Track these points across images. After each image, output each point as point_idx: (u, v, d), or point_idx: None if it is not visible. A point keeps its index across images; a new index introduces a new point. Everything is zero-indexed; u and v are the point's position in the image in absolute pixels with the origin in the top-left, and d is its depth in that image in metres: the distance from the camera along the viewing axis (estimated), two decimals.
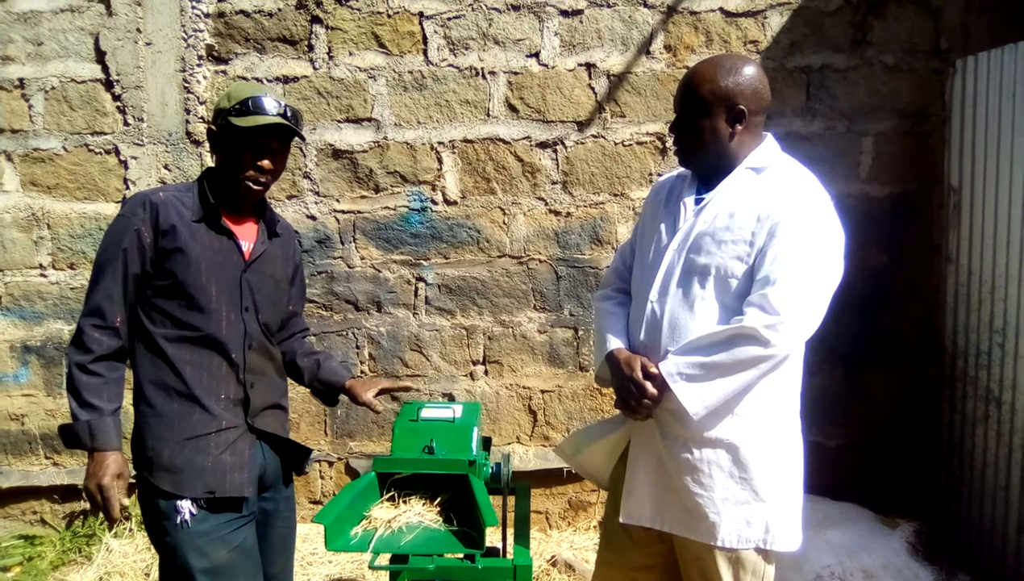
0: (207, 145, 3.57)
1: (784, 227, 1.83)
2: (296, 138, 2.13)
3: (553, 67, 3.63)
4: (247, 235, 2.14)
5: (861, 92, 3.67)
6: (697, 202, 2.00)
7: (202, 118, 3.60)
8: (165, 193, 2.04)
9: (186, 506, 1.98)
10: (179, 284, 1.99)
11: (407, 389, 2.50)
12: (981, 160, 3.27)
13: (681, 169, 2.15)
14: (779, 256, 1.81)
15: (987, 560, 3.20)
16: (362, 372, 3.76)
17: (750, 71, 1.93)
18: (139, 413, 2.04)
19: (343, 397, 2.35)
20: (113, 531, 3.57)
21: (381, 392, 2.33)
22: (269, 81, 3.58)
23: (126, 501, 1.98)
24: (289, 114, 2.06)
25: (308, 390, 2.40)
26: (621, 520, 2.03)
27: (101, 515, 1.98)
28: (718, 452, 1.89)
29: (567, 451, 2.29)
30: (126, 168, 3.62)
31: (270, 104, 2.03)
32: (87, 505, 3.72)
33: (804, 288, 1.81)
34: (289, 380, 2.34)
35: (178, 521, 1.97)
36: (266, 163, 2.06)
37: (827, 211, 1.90)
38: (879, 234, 3.70)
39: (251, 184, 2.07)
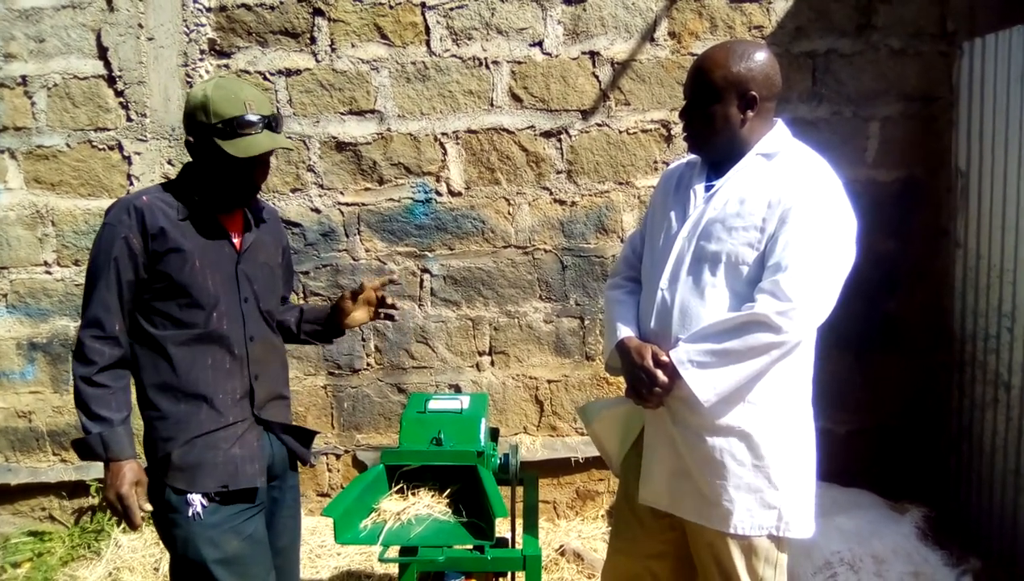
0: None
1: (795, 213, 1.81)
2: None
3: (557, 56, 3.61)
4: (235, 226, 2.13)
5: (867, 76, 3.64)
6: (707, 189, 1.98)
7: None
8: (148, 196, 2.02)
9: (197, 499, 1.98)
10: (176, 284, 1.98)
11: (391, 281, 2.47)
12: (989, 143, 3.24)
13: (690, 156, 2.14)
14: (790, 242, 1.80)
15: (997, 544, 3.19)
16: (368, 365, 3.75)
17: (762, 56, 1.91)
18: (146, 417, 2.03)
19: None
20: (122, 527, 3.57)
21: (366, 293, 2.33)
22: (272, 74, 3.57)
23: (148, 506, 1.97)
24: (274, 125, 2.02)
25: (304, 339, 2.39)
26: (640, 500, 2.03)
27: (111, 513, 1.98)
28: (731, 440, 1.88)
29: (587, 415, 2.28)
30: (130, 164, 3.61)
31: (255, 118, 1.96)
32: (95, 501, 3.73)
33: (816, 274, 1.79)
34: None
35: (190, 514, 1.97)
36: (259, 180, 2.07)
37: (839, 196, 1.88)
38: (886, 219, 3.67)
39: (248, 197, 2.09)
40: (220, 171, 2.01)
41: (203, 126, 1.98)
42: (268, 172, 2.13)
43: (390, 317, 2.39)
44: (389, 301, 2.34)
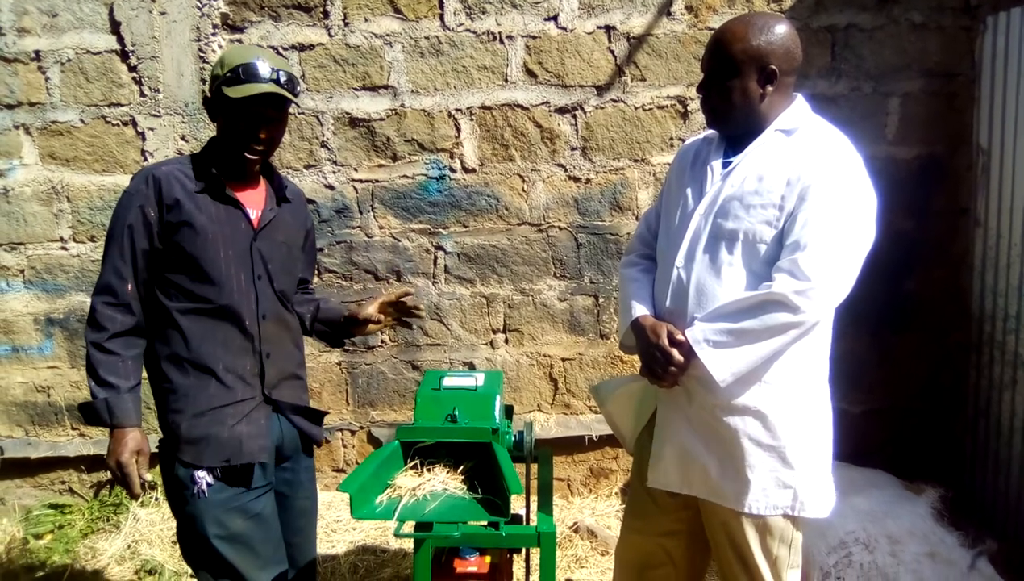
0: None
1: (815, 190, 1.78)
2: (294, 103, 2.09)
3: (572, 30, 3.57)
4: (254, 203, 2.12)
5: (887, 52, 3.58)
6: (725, 165, 1.96)
7: None
8: (168, 167, 2.03)
9: (203, 476, 2.00)
10: (189, 257, 1.98)
11: (407, 294, 2.43)
12: (1012, 120, 3.18)
13: (707, 132, 2.11)
14: (810, 220, 1.77)
15: (1014, 525, 3.18)
16: (382, 342, 3.76)
17: (782, 30, 1.88)
18: (157, 388, 2.05)
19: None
20: (140, 500, 3.61)
21: (382, 309, 2.36)
22: (285, 49, 3.54)
23: (147, 475, 1.99)
24: (283, 80, 1.99)
25: (315, 337, 2.43)
26: (648, 484, 2.03)
27: (113, 480, 2.00)
28: (746, 420, 1.87)
29: (601, 395, 2.29)
30: (143, 139, 3.60)
31: (263, 69, 1.96)
32: None
33: (835, 253, 1.77)
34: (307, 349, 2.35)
35: (195, 491, 1.99)
36: (262, 134, 2.02)
37: (859, 174, 1.85)
38: (905, 197, 3.63)
39: (248, 155, 2.04)
40: (226, 122, 2.02)
41: (216, 79, 2.00)
42: (278, 133, 2.09)
43: (407, 324, 2.41)
44: (410, 303, 2.38)
